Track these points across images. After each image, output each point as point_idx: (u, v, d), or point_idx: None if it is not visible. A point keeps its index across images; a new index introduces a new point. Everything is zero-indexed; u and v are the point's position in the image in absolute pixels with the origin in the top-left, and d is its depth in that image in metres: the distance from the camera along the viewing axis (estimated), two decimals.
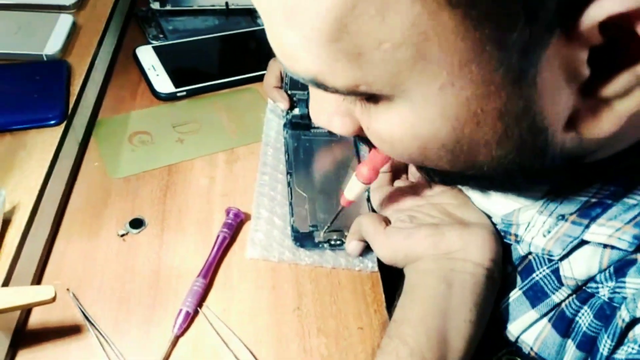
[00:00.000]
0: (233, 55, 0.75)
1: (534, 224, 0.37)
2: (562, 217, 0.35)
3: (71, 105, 0.56)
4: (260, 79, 0.67)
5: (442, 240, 0.40)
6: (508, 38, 0.22)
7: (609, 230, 0.32)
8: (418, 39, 0.23)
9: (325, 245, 0.50)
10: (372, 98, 0.28)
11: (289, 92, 0.61)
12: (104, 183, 0.55)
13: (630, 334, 0.32)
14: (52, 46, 0.62)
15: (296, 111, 0.62)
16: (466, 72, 0.24)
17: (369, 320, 0.46)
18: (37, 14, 0.67)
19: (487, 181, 0.35)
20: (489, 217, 0.42)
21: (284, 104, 0.60)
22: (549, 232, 0.36)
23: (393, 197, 0.47)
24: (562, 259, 0.35)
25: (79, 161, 0.56)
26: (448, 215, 0.43)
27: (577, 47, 0.23)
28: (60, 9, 0.68)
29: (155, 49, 0.71)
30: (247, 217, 0.53)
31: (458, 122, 0.26)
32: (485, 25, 0.22)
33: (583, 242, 0.34)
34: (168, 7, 0.79)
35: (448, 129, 0.27)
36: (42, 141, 0.52)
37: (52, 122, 0.53)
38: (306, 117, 0.62)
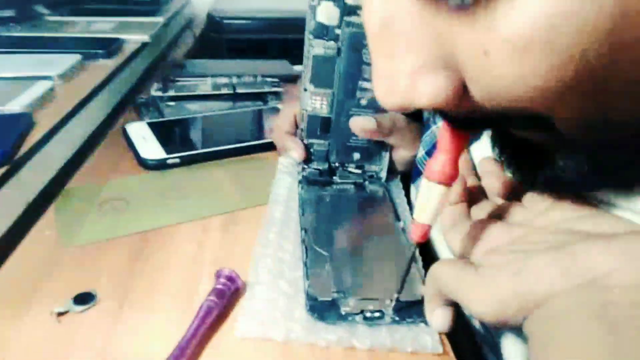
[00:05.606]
0: (234, 130, 0.64)
1: None
2: None
3: (21, 154, 0.44)
4: (264, 148, 0.56)
5: (576, 264, 0.24)
6: None
7: None
8: None
9: (357, 317, 0.33)
10: None
11: (305, 141, 0.48)
12: (52, 252, 0.40)
13: None
14: (18, 102, 0.52)
15: (314, 165, 0.48)
16: None
17: None
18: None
19: None
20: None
21: (297, 154, 0.47)
22: None
23: (478, 233, 0.31)
24: None
25: (26, 227, 0.42)
26: (572, 233, 0.27)
27: None
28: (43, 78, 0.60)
29: (149, 123, 0.61)
30: (246, 286, 0.36)
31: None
32: None
33: None
34: (171, 93, 0.71)
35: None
36: None
37: None
38: (326, 172, 0.48)
